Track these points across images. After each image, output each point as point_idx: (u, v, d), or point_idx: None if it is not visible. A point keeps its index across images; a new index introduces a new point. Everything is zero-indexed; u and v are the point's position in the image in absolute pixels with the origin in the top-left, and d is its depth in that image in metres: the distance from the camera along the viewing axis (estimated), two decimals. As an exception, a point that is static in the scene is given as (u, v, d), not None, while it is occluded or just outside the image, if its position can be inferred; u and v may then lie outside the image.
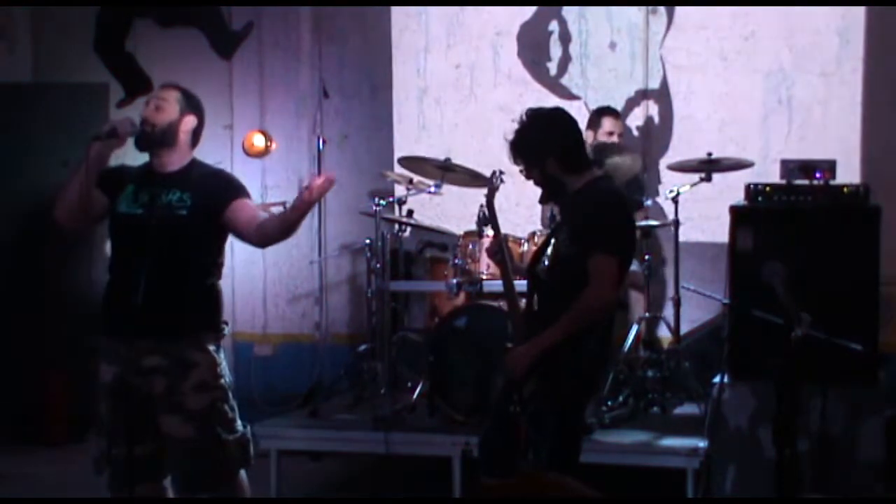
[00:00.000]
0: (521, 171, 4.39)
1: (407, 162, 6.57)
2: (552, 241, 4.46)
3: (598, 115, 6.80)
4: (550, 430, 4.19)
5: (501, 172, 4.65)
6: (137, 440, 4.24)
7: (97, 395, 4.34)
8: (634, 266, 5.90)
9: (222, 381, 4.36)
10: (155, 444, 4.30)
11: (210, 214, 4.34)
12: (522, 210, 6.87)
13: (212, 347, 4.36)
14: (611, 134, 6.67)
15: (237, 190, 4.43)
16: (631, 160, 6.22)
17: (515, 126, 4.36)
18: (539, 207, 6.52)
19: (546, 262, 4.40)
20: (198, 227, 4.32)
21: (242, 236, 4.41)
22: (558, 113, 4.48)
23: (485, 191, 4.66)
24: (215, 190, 4.37)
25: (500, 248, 4.53)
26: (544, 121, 4.38)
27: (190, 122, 4.41)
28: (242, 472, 4.44)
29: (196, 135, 4.45)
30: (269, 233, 4.34)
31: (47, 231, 7.54)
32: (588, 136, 6.50)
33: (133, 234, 4.30)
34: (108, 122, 4.29)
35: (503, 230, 4.66)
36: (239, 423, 4.40)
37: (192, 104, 4.43)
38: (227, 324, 4.48)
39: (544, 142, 4.32)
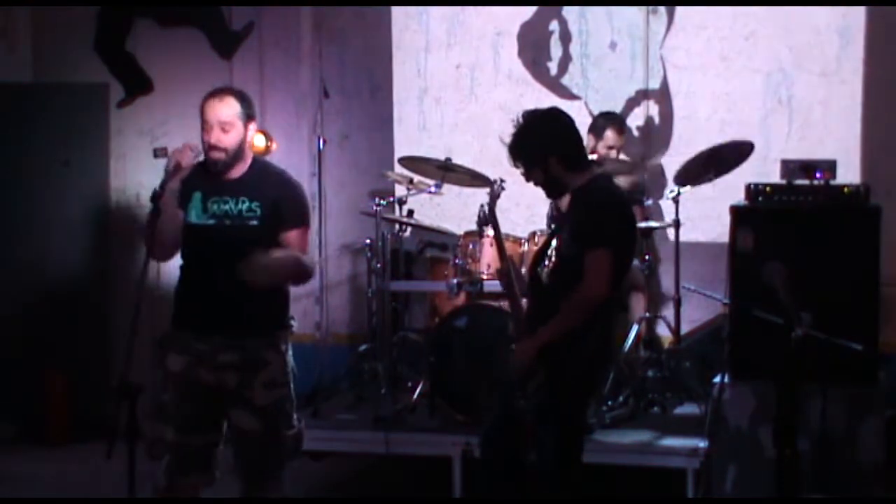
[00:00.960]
0: (521, 173, 4.39)
1: (407, 162, 6.57)
2: (553, 241, 4.46)
3: (604, 123, 6.63)
4: (553, 428, 4.20)
5: (503, 180, 4.66)
6: (200, 430, 4.36)
7: (163, 384, 4.40)
8: (635, 263, 5.88)
9: (289, 378, 4.46)
10: (216, 435, 4.39)
11: (277, 226, 4.37)
12: (522, 210, 6.86)
13: (283, 347, 4.47)
14: (611, 148, 6.56)
15: (300, 219, 4.42)
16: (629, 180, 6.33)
17: (512, 128, 4.36)
18: (539, 207, 6.52)
19: (547, 263, 4.40)
20: (268, 235, 4.35)
21: None
22: (556, 113, 4.48)
23: (485, 191, 4.67)
24: (282, 210, 4.37)
25: (508, 272, 4.55)
26: (544, 121, 4.37)
27: (252, 128, 4.40)
28: None
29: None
30: None
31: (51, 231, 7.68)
32: (590, 141, 6.47)
33: (205, 243, 4.36)
34: (168, 156, 4.28)
35: (503, 230, 4.67)
36: (295, 417, 4.48)
37: (248, 108, 4.39)
38: (294, 318, 4.56)
39: (545, 142, 4.32)
